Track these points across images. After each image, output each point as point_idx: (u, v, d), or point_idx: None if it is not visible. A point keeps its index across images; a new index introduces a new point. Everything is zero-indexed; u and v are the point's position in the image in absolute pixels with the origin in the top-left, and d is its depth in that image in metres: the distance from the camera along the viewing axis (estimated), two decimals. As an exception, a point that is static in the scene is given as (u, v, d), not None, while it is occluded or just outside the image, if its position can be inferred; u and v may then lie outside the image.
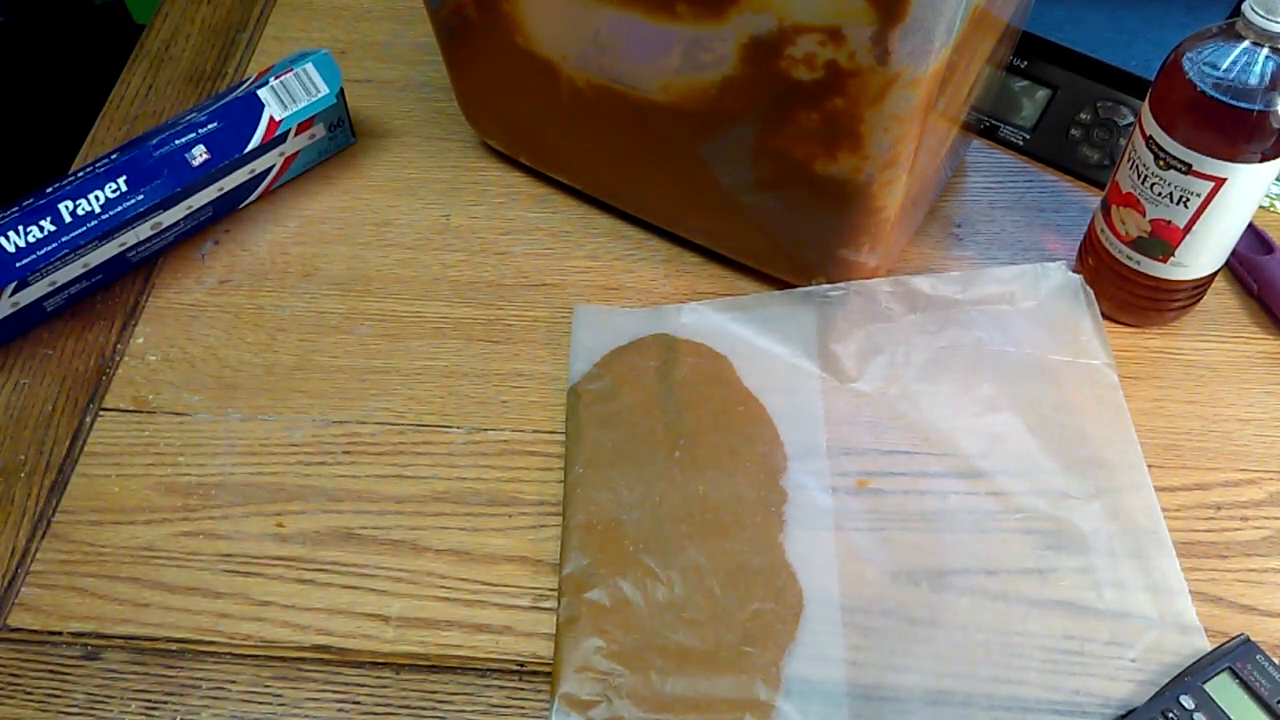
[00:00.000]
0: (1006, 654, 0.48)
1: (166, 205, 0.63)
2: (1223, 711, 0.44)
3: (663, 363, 0.58)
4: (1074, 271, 0.61)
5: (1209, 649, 0.48)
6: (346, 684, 0.49)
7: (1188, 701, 0.45)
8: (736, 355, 0.59)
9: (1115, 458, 0.54)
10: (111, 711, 0.48)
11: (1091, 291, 0.59)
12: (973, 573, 0.51)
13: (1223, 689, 0.45)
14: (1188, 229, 0.54)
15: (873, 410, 0.57)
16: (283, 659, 0.50)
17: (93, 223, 0.60)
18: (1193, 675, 0.46)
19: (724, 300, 0.62)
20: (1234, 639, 0.47)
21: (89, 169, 0.62)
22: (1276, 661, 0.46)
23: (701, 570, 0.50)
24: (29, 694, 0.49)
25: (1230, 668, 0.45)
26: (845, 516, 0.53)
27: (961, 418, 0.56)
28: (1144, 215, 0.55)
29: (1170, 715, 0.44)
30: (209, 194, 0.64)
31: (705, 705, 0.47)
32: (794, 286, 0.62)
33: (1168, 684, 0.46)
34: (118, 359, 0.61)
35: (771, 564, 0.51)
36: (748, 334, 0.60)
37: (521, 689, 0.49)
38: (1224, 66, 0.49)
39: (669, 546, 0.51)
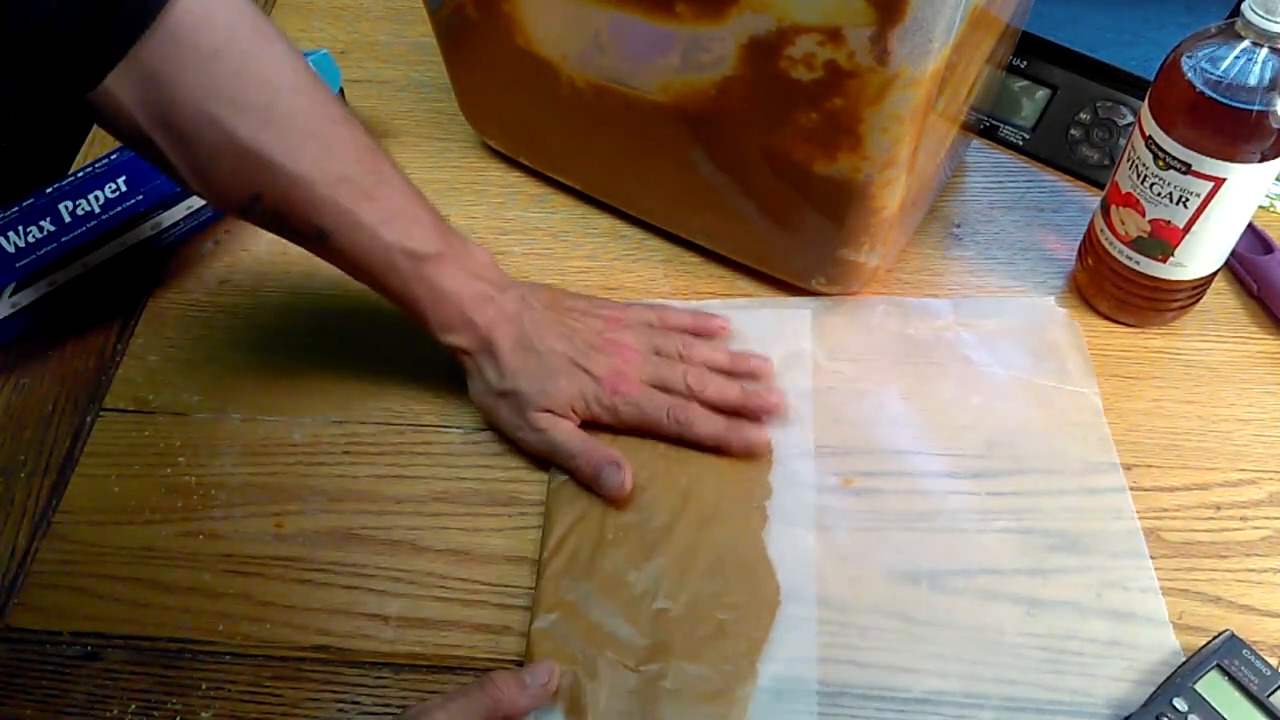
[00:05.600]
0: (984, 652, 0.48)
1: (166, 205, 0.63)
2: (1215, 710, 0.44)
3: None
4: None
5: (1180, 646, 0.48)
6: (346, 684, 0.49)
7: (1181, 704, 0.45)
8: None
9: (1098, 461, 0.54)
10: (111, 711, 0.48)
11: (1078, 325, 0.60)
12: (952, 573, 0.51)
13: (1213, 687, 0.45)
14: (1187, 229, 0.54)
15: (860, 412, 0.57)
16: (282, 659, 0.50)
17: (93, 223, 0.61)
18: (1183, 676, 0.46)
19: (717, 302, 0.62)
20: (1219, 635, 0.47)
21: (89, 169, 0.62)
22: (1264, 656, 0.46)
23: (681, 563, 0.50)
24: (29, 694, 0.49)
25: (1219, 665, 0.46)
26: (829, 515, 0.53)
27: (950, 424, 0.56)
28: (1144, 215, 0.55)
29: (1166, 719, 0.45)
30: (209, 194, 0.64)
31: (678, 697, 0.47)
32: (793, 286, 0.62)
33: (1159, 687, 0.46)
34: (118, 359, 0.61)
35: (752, 559, 0.51)
36: (740, 333, 0.60)
37: (520, 689, 0.49)
38: (1223, 67, 0.49)
39: (649, 538, 0.51)
